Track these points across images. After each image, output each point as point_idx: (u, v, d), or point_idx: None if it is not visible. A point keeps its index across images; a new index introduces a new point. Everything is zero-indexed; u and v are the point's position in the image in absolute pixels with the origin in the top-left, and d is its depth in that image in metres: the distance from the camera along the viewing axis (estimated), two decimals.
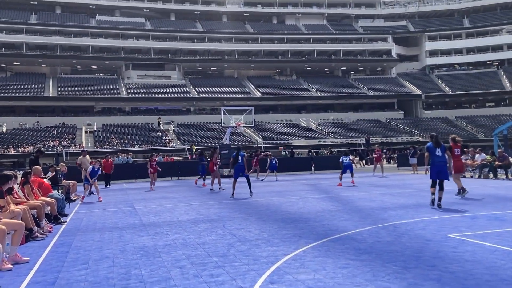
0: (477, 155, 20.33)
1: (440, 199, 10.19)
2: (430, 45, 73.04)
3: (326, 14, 75.77)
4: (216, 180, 17.40)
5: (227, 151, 27.67)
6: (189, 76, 67.42)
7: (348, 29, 74.57)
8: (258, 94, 62.76)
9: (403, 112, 65.88)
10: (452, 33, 73.11)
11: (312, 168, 29.97)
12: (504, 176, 18.39)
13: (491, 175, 18.86)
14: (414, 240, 6.72)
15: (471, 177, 19.71)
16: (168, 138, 51.58)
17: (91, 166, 15.48)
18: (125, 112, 60.61)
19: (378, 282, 4.74)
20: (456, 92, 65.88)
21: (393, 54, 71.38)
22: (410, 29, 74.96)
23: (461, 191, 11.98)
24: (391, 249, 6.22)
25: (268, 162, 24.13)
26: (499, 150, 22.79)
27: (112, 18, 67.19)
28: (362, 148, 42.33)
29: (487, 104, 67.12)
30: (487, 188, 14.38)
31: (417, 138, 54.61)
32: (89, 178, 15.00)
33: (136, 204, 13.17)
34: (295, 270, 5.31)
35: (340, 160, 18.45)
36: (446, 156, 10.59)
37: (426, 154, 10.80)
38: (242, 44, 67.80)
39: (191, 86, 63.18)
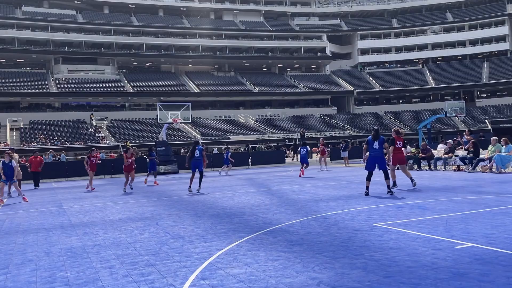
0: (403, 148, 21.40)
1: (389, 186, 11.11)
2: (362, 44, 75.89)
3: (263, 11, 76.42)
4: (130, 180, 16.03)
5: (163, 148, 27.21)
6: (124, 70, 65.45)
7: (285, 27, 75.71)
8: (196, 90, 62.19)
9: (336, 108, 68.03)
10: (382, 32, 76.41)
11: (250, 162, 30.20)
12: (427, 167, 19.52)
13: (415, 166, 19.94)
14: (343, 231, 6.95)
15: (397, 168, 20.71)
16: (101, 135, 49.82)
17: (1, 160, 13.63)
18: (54, 108, 57.74)
19: (308, 272, 4.86)
20: (385, 89, 69.00)
21: (327, 52, 73.40)
22: (343, 27, 77.41)
23: (394, 184, 12.30)
24: (321, 240, 6.40)
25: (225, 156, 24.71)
26: (422, 143, 24.18)
27: (40, 10, 63.61)
28: (298, 142, 43.17)
29: (413, 100, 70.86)
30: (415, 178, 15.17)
31: (349, 132, 56.65)
32: (2, 175, 13.25)
33: (65, 203, 12.61)
34: (228, 265, 5.32)
35: (299, 150, 19.74)
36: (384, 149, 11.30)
37: (365, 146, 11.50)
38: (179, 39, 66.78)
39: (126, 81, 61.37)
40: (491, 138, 17.42)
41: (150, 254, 6.05)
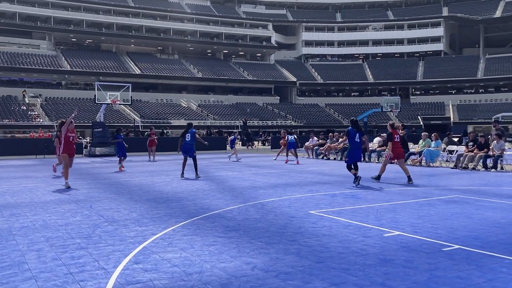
0: (340, 139, 22.07)
1: (356, 175, 11.18)
2: (306, 36, 77.01)
3: None
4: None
5: (100, 129, 26.32)
6: (61, 47, 62.26)
7: (231, 13, 75.19)
8: (137, 71, 60.45)
9: (279, 98, 68.83)
10: (326, 25, 77.91)
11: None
12: (362, 159, 20.23)
13: None
14: (279, 217, 7.09)
15: (334, 159, 21.38)
16: (34, 113, 47.28)
17: None
18: None
19: (243, 258, 4.92)
20: (327, 81, 70.66)
21: (273, 41, 73.85)
22: (289, 18, 78.12)
23: (378, 177, 11.94)
24: (258, 226, 6.49)
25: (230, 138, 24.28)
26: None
27: None
28: (244, 130, 43.31)
29: (352, 94, 73.15)
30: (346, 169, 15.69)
31: (291, 122, 57.59)
32: None
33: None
34: (162, 249, 5.27)
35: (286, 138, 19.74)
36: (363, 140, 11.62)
37: (344, 137, 11.32)
38: (122, 17, 64.43)
39: (63, 58, 58.47)
40: (422, 133, 18.39)
41: (82, 237, 5.86)
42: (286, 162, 19.16)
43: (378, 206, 8.20)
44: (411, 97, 69.41)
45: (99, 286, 4.02)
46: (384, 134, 21.48)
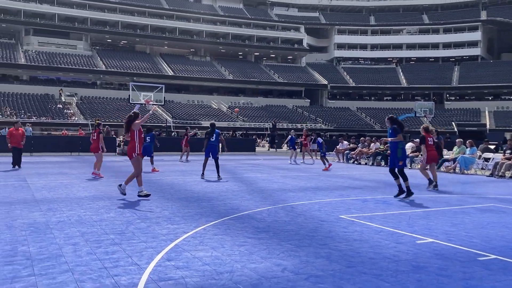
0: (372, 144, 21.80)
1: (408, 187, 9.68)
2: (338, 38, 76.42)
3: None
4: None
5: None
6: (97, 47, 63.88)
7: (263, 16, 75.41)
8: (170, 73, 61.37)
9: (309, 100, 68.48)
10: (359, 28, 77.11)
11: (220, 149, 30.09)
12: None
13: (382, 162, 20.35)
14: (309, 220, 7.06)
15: (366, 164, 21.12)
16: (70, 111, 48.65)
17: None
18: (22, 81, 55.90)
19: (273, 259, 4.93)
20: (359, 85, 69.86)
21: (304, 44, 73.60)
22: (321, 21, 77.70)
23: (430, 182, 11.59)
24: (288, 228, 6.48)
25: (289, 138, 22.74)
26: None
27: None
28: (270, 132, 43.39)
29: (385, 98, 72.08)
30: (379, 175, 15.49)
31: (321, 125, 57.21)
32: None
33: (29, 178, 12.30)
34: (194, 248, 5.33)
35: (321, 141, 18.54)
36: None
37: (400, 137, 9.70)
38: (156, 19, 65.59)
39: (99, 58, 59.96)
40: (456, 140, 17.95)
41: (115, 233, 5.99)
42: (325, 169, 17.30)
43: (411, 212, 8.06)
44: (445, 102, 67.87)
45: (133, 281, 4.11)
46: (417, 139, 21.10)
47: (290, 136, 22.56)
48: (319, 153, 18.64)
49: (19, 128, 15.99)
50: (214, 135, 12.95)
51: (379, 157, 20.58)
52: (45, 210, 7.55)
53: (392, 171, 9.79)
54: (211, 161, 13.26)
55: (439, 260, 4.97)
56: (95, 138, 13.42)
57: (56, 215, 7.18)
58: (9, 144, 15.55)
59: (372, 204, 8.91)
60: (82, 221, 6.75)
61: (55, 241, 5.50)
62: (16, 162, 15.61)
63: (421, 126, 12.32)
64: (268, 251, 5.26)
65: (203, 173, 13.25)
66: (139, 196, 9.04)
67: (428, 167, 11.76)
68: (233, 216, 7.30)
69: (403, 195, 9.57)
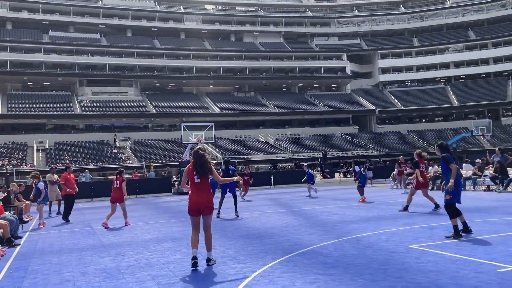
0: (430, 167, 21.04)
1: (465, 222, 7.99)
2: (382, 63, 75.67)
3: (283, 33, 77.16)
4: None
5: None
6: (147, 92, 66.53)
7: (304, 47, 76.17)
8: (217, 110, 62.71)
9: (357, 127, 67.56)
10: (402, 51, 76.11)
11: (272, 182, 30.09)
12: None
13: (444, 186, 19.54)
14: (378, 253, 6.82)
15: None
16: (124, 155, 50.46)
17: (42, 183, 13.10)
18: (79, 130, 58.86)
19: None
20: (408, 108, 68.35)
21: (348, 71, 73.37)
22: (363, 47, 77.43)
23: (406, 207, 11.71)
24: (357, 262, 6.28)
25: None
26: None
27: (66, 34, 65.54)
28: (321, 162, 43.02)
29: (436, 119, 69.95)
30: (440, 199, 14.85)
31: (372, 152, 56.07)
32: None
33: (94, 224, 12.71)
34: (265, 287, 5.26)
35: (358, 169, 15.97)
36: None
37: (454, 166, 7.98)
38: (200, 60, 67.78)
39: (149, 102, 62.33)
40: None
41: (185, 275, 6.03)
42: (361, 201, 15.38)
43: (485, 238, 7.62)
44: (502, 118, 64.98)
45: None
46: (478, 160, 20.20)
47: (308, 170, 20.55)
48: (357, 181, 16.20)
49: (71, 174, 14.23)
50: (231, 171, 13.27)
51: (439, 181, 19.81)
52: (114, 255, 7.73)
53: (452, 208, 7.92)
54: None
55: None
56: (118, 186, 11.87)
57: (125, 259, 7.33)
58: (68, 189, 13.73)
59: (441, 231, 8.49)
60: (150, 264, 6.85)
61: (129, 286, 5.59)
62: (68, 213, 13.78)
63: (415, 152, 12.51)
64: (342, 287, 5.10)
65: (218, 212, 12.64)
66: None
67: (415, 192, 12.05)
68: (298, 252, 7.18)
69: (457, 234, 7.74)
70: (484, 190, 17.71)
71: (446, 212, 7.89)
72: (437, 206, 11.63)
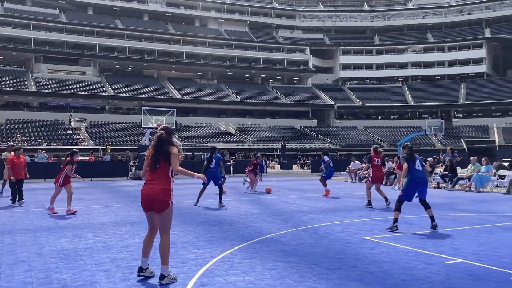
0: (385, 163, 21.75)
1: (432, 217, 8.38)
2: (344, 59, 76.99)
3: (248, 22, 76.92)
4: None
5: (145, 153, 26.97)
6: (105, 73, 64.72)
7: (269, 38, 76.31)
8: (178, 96, 61.93)
9: (316, 121, 68.66)
10: (364, 48, 77.71)
11: (231, 171, 30.16)
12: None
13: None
14: (334, 243, 7.06)
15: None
16: (79, 136, 49.06)
17: None
18: (32, 108, 56.63)
19: (306, 283, 4.93)
20: (365, 104, 70.02)
21: (310, 65, 74.19)
22: (326, 42, 78.45)
23: (369, 203, 11.78)
24: (315, 251, 6.48)
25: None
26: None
27: (22, 7, 62.59)
28: (281, 153, 43.47)
29: (392, 117, 72.03)
30: (393, 194, 15.43)
31: (329, 145, 57.18)
32: None
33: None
34: (225, 272, 5.35)
35: (327, 159, 15.06)
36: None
37: (405, 166, 8.36)
38: (163, 44, 66.54)
39: (107, 84, 60.71)
40: (471, 158, 17.89)
41: None
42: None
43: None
44: (453, 120, 67.71)
45: None
46: (430, 158, 21.06)
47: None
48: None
49: (21, 156, 12.80)
50: (214, 160, 11.92)
51: (392, 176, 20.51)
52: (71, 237, 7.60)
53: (420, 202, 8.49)
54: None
55: (473, 281, 4.95)
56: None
57: (82, 241, 7.23)
58: (12, 177, 12.19)
59: None
60: (109, 247, 6.79)
61: (87, 268, 5.54)
62: (17, 196, 12.38)
63: (372, 147, 12.56)
64: (300, 274, 5.27)
65: (197, 201, 12.20)
66: None
67: (373, 186, 11.98)
68: (257, 240, 7.31)
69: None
70: (434, 188, 18.50)
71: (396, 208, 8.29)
72: (386, 200, 11.73)
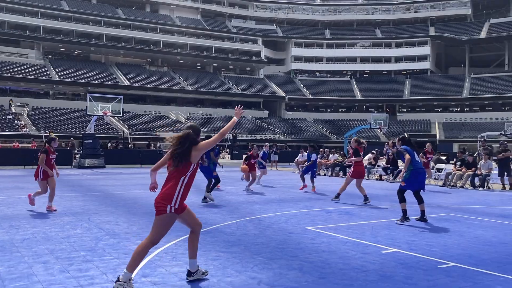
0: (331, 155, 22.36)
1: (423, 211, 8.80)
2: (295, 51, 77.88)
3: (200, 9, 75.99)
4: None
5: (90, 141, 26.25)
6: (50, 56, 61.91)
7: (221, 27, 75.77)
8: (126, 83, 60.36)
9: (267, 112, 69.22)
10: (315, 41, 78.92)
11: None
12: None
13: (341, 173, 20.91)
14: (278, 233, 7.23)
15: (325, 174, 21.61)
16: (20, 122, 46.83)
17: None
18: None
19: (248, 272, 5.05)
20: (315, 97, 71.34)
21: (262, 56, 74.48)
22: (278, 33, 78.97)
23: (337, 196, 11.48)
24: (258, 241, 6.62)
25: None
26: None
27: None
28: (231, 143, 43.54)
29: (340, 110, 73.81)
30: (338, 185, 15.91)
31: (279, 137, 57.91)
32: None
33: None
34: (168, 263, 5.38)
35: (314, 158, 13.98)
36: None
37: (408, 157, 8.56)
38: (112, 28, 64.44)
39: (51, 68, 58.15)
40: None
41: (86, 250, 5.92)
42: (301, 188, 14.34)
43: (373, 223, 8.39)
44: (397, 114, 70.37)
45: None
46: (373, 151, 21.84)
47: (263, 151, 17.54)
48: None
49: None
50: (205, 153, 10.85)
51: (337, 168, 21.13)
52: (7, 228, 7.33)
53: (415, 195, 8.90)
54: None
55: (404, 269, 5.25)
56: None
57: (19, 232, 6.99)
58: None
59: (335, 215, 9.19)
60: (48, 238, 6.61)
61: (24, 260, 5.38)
62: None
63: (353, 139, 11.74)
64: (242, 264, 5.37)
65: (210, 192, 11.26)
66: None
67: (351, 181, 11.37)
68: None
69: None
70: (377, 179, 19.25)
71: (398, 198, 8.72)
72: (366, 198, 11.15)
